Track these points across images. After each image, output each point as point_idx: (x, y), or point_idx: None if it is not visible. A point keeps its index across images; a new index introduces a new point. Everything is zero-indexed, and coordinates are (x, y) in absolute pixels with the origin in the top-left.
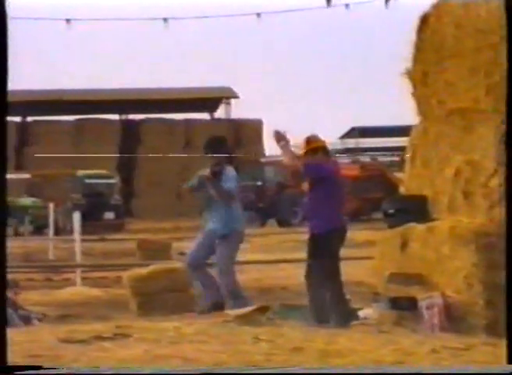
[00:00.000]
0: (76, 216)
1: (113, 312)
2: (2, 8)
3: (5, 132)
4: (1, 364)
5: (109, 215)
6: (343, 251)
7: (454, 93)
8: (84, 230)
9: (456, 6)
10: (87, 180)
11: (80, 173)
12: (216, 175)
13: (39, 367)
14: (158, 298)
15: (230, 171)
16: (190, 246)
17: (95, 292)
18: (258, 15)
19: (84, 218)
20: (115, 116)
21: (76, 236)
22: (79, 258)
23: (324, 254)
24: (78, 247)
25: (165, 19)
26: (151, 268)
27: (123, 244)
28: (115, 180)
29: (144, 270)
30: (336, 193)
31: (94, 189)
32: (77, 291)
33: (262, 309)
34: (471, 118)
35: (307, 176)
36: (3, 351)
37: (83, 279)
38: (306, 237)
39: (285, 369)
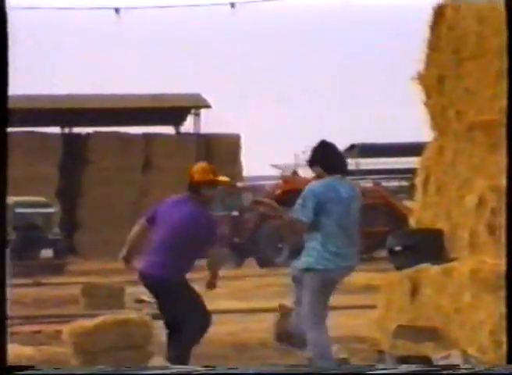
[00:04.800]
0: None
1: None
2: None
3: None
4: (1, 364)
5: (47, 253)
6: (339, 298)
7: (476, 103)
8: (15, 272)
9: None
10: (19, 210)
11: (10, 200)
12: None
13: (39, 367)
14: (107, 357)
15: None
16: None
17: (27, 351)
18: (232, 5)
19: (15, 257)
20: (56, 129)
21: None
22: (7, 308)
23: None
24: (7, 293)
25: (117, 10)
26: (99, 320)
27: (64, 289)
28: (54, 210)
29: (89, 323)
30: (158, 234)
31: (27, 220)
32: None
33: None
34: (497, 133)
35: None
36: (3, 351)
37: (12, 334)
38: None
39: (285, 369)
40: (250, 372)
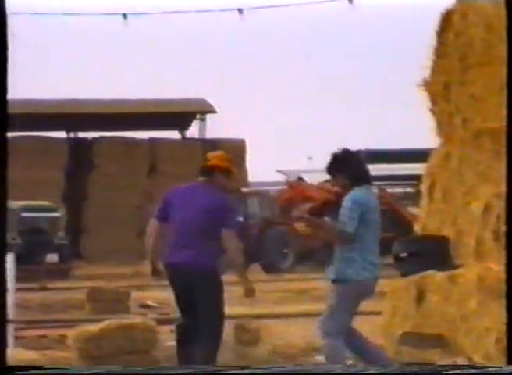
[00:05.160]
0: (10, 259)
1: None
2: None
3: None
4: (1, 364)
5: (52, 257)
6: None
7: (482, 110)
8: (20, 277)
9: (487, 3)
10: (25, 214)
11: (16, 204)
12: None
13: (39, 367)
14: (112, 362)
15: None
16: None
17: (31, 355)
18: (240, 11)
19: (20, 261)
20: (62, 134)
21: (10, 284)
22: (12, 313)
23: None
24: (11, 298)
25: (125, 15)
26: (104, 324)
27: (69, 294)
28: (59, 214)
29: (94, 327)
30: (179, 224)
31: (33, 225)
32: (9, 353)
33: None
34: (503, 141)
35: None
36: (3, 351)
37: (17, 338)
38: (298, 285)
39: (287, 370)
40: (251, 372)
